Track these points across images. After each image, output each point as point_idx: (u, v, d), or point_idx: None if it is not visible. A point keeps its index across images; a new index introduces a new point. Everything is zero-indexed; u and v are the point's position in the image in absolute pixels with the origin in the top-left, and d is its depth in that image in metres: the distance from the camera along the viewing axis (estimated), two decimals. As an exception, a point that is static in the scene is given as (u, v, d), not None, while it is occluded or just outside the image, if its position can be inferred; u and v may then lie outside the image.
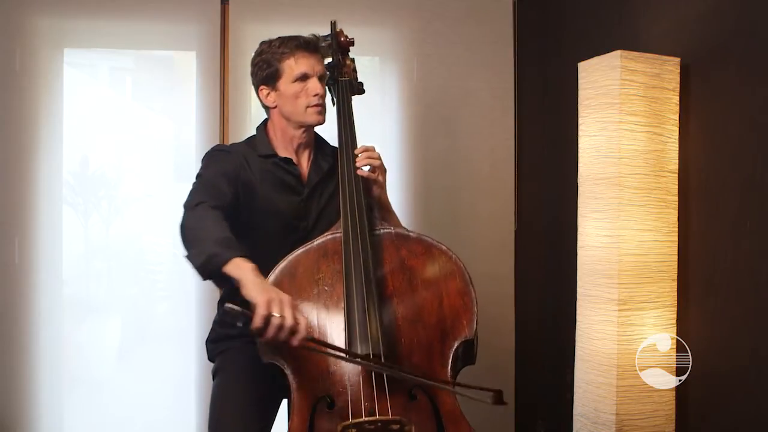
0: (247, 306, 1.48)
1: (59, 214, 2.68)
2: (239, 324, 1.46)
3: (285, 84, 1.86)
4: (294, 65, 1.85)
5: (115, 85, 2.98)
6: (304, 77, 1.86)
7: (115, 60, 2.93)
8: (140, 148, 2.84)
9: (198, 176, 1.84)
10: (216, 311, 2.03)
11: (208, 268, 1.56)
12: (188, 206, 1.71)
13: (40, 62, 2.64)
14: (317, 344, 1.57)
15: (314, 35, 1.91)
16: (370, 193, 1.90)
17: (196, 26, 2.73)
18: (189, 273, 2.69)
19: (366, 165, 1.87)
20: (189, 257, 1.60)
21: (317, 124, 1.92)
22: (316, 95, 1.86)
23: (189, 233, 1.66)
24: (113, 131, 2.84)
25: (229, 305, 1.45)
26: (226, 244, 1.57)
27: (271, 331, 1.46)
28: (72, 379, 2.71)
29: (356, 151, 1.88)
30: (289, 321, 1.47)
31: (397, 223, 1.95)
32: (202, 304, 2.71)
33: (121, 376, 2.79)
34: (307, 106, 1.87)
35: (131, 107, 2.94)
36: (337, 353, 1.59)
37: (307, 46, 1.87)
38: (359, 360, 1.59)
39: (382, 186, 1.91)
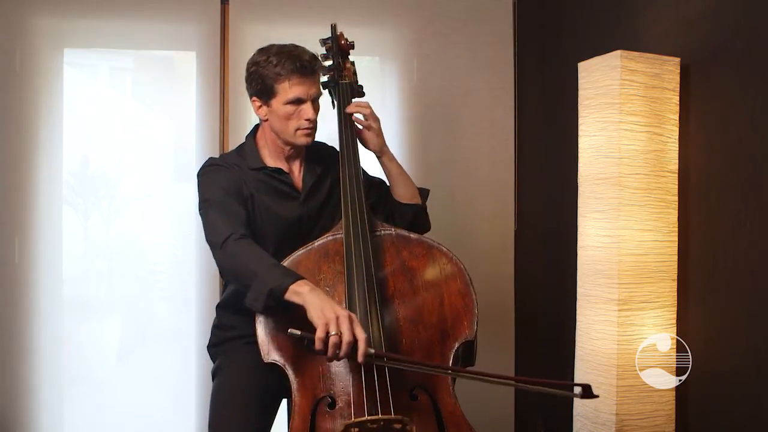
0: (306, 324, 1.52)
1: (59, 214, 2.68)
2: (305, 344, 1.51)
3: (278, 104, 1.84)
4: (288, 89, 1.81)
5: (115, 85, 2.98)
6: (297, 101, 1.83)
7: (115, 60, 2.92)
8: (140, 148, 2.84)
9: (205, 201, 1.81)
10: (215, 315, 2.03)
11: (270, 304, 1.59)
12: (217, 245, 1.69)
13: (40, 62, 2.64)
14: (385, 356, 1.57)
15: (313, 54, 1.86)
16: (368, 144, 1.95)
17: (196, 26, 2.73)
18: (189, 273, 2.75)
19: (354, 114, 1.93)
20: (248, 303, 1.61)
21: (304, 145, 1.91)
22: (307, 119, 1.84)
23: (235, 277, 1.70)
24: (113, 131, 2.84)
25: (291, 330, 1.49)
26: (278, 274, 1.60)
27: (330, 351, 1.50)
28: (72, 378, 2.71)
29: (347, 110, 1.94)
30: (346, 338, 1.49)
31: (411, 188, 1.99)
32: (202, 304, 2.71)
33: (121, 376, 2.78)
34: (297, 129, 1.85)
35: (131, 107, 2.94)
36: (415, 367, 1.59)
37: (304, 70, 1.81)
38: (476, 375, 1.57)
39: (378, 133, 1.95)
